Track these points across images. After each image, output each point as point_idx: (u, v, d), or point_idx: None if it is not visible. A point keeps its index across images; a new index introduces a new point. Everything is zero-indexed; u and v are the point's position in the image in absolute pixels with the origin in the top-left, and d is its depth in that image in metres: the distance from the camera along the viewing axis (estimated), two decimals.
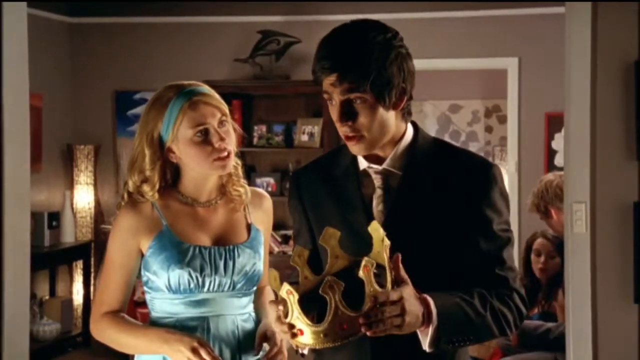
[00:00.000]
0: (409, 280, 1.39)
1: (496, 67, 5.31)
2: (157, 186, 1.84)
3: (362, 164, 1.59)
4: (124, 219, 1.85)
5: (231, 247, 1.85)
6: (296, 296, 1.32)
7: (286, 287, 1.32)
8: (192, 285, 1.81)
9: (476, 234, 1.53)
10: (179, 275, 1.80)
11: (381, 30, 1.48)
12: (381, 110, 1.49)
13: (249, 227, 1.91)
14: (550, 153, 5.09)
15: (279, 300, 1.37)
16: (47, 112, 5.19)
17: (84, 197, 5.39)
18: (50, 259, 5.03)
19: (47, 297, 5.12)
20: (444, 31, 5.14)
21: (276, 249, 5.24)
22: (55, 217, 5.03)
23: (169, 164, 1.86)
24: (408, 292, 1.38)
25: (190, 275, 1.80)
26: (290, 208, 1.70)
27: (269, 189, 5.24)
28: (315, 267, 1.49)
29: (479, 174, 1.54)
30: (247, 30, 5.25)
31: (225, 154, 1.82)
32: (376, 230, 1.37)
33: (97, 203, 5.44)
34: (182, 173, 1.88)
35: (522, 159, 5.13)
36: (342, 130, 1.51)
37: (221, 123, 1.83)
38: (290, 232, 5.31)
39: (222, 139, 1.81)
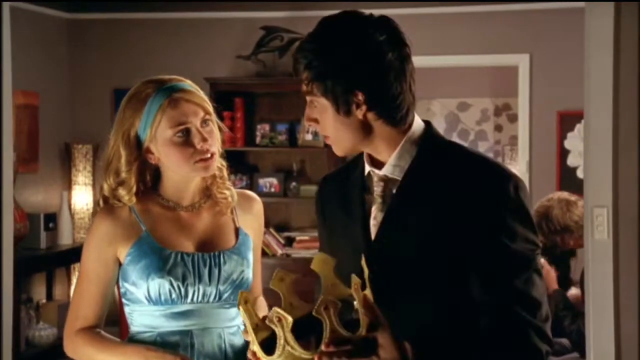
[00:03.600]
0: (386, 325, 1.21)
1: (506, 64, 5.21)
2: (133, 189, 1.71)
3: (367, 167, 1.44)
4: (99, 226, 1.72)
5: (216, 253, 1.72)
6: (249, 323, 1.21)
7: (241, 311, 1.22)
8: (173, 296, 1.68)
9: (483, 259, 1.32)
10: (160, 285, 1.67)
11: (360, 27, 1.33)
12: (333, 115, 1.36)
13: (236, 231, 1.78)
14: (563, 153, 4.97)
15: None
16: (44, 111, 5.09)
17: (82, 197, 5.28)
18: (47, 262, 4.91)
19: (43, 301, 5.01)
20: (452, 27, 5.04)
21: (279, 252, 5.12)
22: (52, 219, 4.92)
23: (148, 165, 1.74)
24: (385, 337, 1.20)
25: (171, 284, 1.67)
26: (317, 218, 1.58)
27: (272, 190, 5.13)
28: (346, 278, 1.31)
29: (488, 186, 1.33)
30: (249, 26, 5.15)
31: (208, 155, 1.69)
32: (364, 266, 1.23)
33: (96, 204, 5.31)
34: (162, 175, 1.75)
35: (534, 158, 5.01)
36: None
37: (204, 122, 1.70)
38: (293, 234, 5.21)
39: (204, 140, 1.68)
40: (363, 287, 1.23)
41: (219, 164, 1.76)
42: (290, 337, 1.17)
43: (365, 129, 1.38)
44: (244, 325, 1.27)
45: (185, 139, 1.67)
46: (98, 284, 1.72)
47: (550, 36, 4.92)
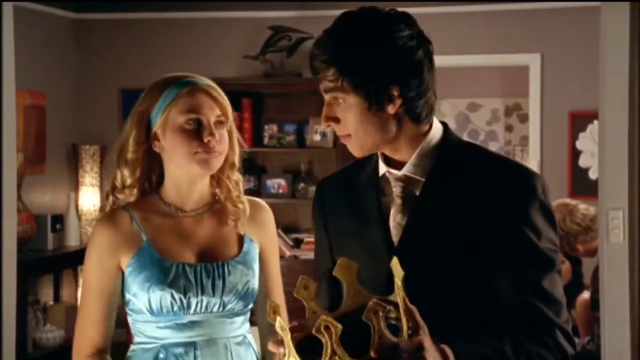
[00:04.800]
0: (426, 328, 1.18)
1: (517, 64, 5.15)
2: (137, 173, 1.67)
3: (382, 168, 1.41)
4: (100, 235, 1.66)
5: (220, 263, 1.66)
6: (288, 334, 1.15)
7: (280, 322, 1.16)
8: (175, 308, 1.62)
9: (511, 257, 1.31)
10: (161, 297, 1.62)
11: (388, 22, 1.31)
12: (363, 112, 1.32)
13: (241, 239, 1.71)
14: (575, 153, 4.91)
15: (279, 340, 1.20)
16: (51, 111, 5.07)
17: (89, 198, 5.25)
18: (54, 263, 4.88)
19: (51, 303, 4.99)
20: (462, 26, 4.98)
21: (287, 253, 5.08)
22: (59, 220, 4.89)
23: (155, 160, 1.69)
24: (428, 340, 1.17)
25: (172, 296, 1.62)
26: (313, 222, 1.53)
27: (280, 191, 5.09)
28: (337, 293, 1.29)
29: (516, 185, 1.33)
30: (257, 26, 5.11)
31: (213, 152, 1.64)
32: (396, 266, 1.18)
33: (105, 197, 5.27)
34: (165, 175, 1.70)
35: (545, 159, 4.95)
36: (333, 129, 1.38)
37: (219, 123, 1.66)
38: (301, 236, 5.17)
39: (212, 135, 1.63)
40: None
41: (235, 177, 1.71)
42: (337, 347, 1.12)
43: (392, 126, 1.35)
44: (276, 336, 1.20)
45: (194, 129, 1.63)
46: (104, 297, 1.66)
47: (561, 35, 4.86)
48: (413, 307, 1.17)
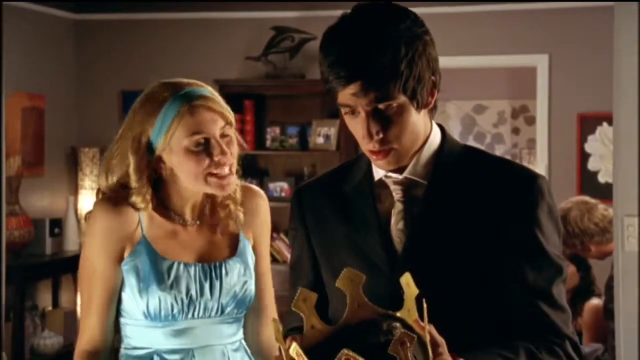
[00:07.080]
0: (444, 344, 1.11)
1: (524, 65, 5.08)
2: (148, 197, 1.57)
3: (378, 173, 1.33)
4: (104, 217, 1.56)
5: (217, 263, 1.59)
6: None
7: (296, 348, 1.08)
8: (175, 311, 1.54)
9: (520, 263, 1.26)
10: (160, 299, 1.53)
11: (400, 17, 1.24)
12: (413, 113, 1.25)
13: (236, 237, 1.63)
14: (583, 156, 4.82)
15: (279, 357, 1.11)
16: (51, 114, 5.01)
17: (88, 202, 5.17)
18: (53, 268, 4.82)
19: (49, 308, 4.93)
20: (468, 27, 4.92)
21: (288, 255, 5.00)
22: (57, 224, 4.84)
23: (153, 173, 1.60)
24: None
25: (175, 299, 1.54)
26: (290, 232, 1.44)
27: (283, 194, 5.03)
28: (319, 307, 1.21)
29: (522, 187, 1.28)
30: (259, 26, 5.05)
31: (226, 171, 1.55)
32: (408, 285, 1.10)
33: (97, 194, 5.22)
34: (167, 184, 1.61)
35: (553, 162, 4.88)
36: (369, 146, 1.25)
37: (224, 134, 1.57)
38: None
39: (223, 153, 1.54)
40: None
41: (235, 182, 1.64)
42: None
43: (423, 126, 1.30)
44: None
45: (202, 150, 1.54)
46: (107, 287, 1.56)
47: (570, 36, 4.79)
48: (431, 327, 1.10)
